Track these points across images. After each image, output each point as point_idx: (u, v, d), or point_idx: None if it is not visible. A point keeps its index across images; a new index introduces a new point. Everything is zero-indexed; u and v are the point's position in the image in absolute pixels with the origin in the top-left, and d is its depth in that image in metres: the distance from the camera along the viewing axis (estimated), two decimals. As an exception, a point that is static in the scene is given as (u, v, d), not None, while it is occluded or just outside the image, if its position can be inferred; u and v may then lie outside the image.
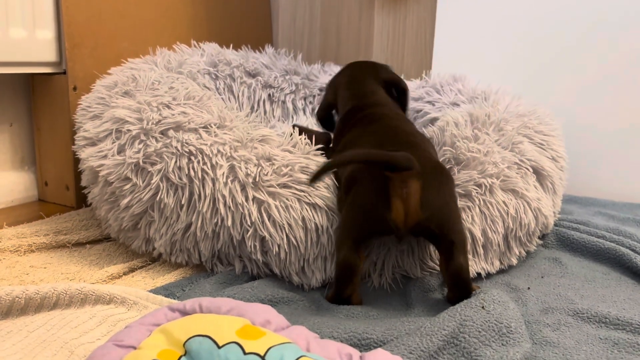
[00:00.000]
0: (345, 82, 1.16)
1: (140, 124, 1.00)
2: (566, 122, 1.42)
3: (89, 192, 1.09)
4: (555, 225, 1.21)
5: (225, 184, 0.90)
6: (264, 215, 0.88)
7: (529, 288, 0.96)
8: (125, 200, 0.96)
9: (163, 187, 0.93)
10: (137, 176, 0.95)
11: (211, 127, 0.99)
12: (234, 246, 0.91)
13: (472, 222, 0.95)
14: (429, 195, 0.81)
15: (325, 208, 0.90)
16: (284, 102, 1.56)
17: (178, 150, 0.94)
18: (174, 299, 0.87)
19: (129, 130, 1.00)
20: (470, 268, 0.94)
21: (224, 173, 0.91)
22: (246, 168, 0.91)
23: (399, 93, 1.19)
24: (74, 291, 0.77)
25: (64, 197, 1.34)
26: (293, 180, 0.91)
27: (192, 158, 0.93)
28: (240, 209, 0.89)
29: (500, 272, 1.02)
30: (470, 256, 0.95)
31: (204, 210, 0.90)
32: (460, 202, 0.96)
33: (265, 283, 0.89)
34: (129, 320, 0.74)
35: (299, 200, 0.89)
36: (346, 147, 0.96)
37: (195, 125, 0.99)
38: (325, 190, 0.91)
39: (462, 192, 0.97)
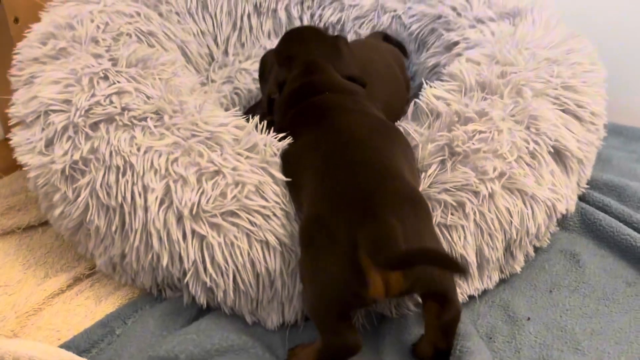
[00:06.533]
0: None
1: (68, 113, 0.82)
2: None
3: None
4: (581, 199, 1.01)
5: (158, 214, 0.74)
6: (206, 255, 0.73)
7: (528, 319, 0.81)
8: (57, 211, 0.82)
9: (93, 205, 0.78)
10: (67, 185, 0.80)
11: (150, 119, 0.80)
12: (178, 279, 0.78)
13: (465, 243, 0.77)
14: None
15: (279, 247, 0.74)
16: (275, 11, 1.30)
17: (106, 161, 0.77)
18: (113, 337, 0.78)
19: (54, 123, 0.82)
20: (460, 291, 0.80)
21: (157, 198, 0.74)
22: (182, 192, 0.74)
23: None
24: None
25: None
26: (241, 207, 0.74)
27: (121, 176, 0.76)
28: (177, 246, 0.74)
29: (502, 280, 0.87)
30: (459, 281, 0.80)
31: (136, 244, 0.76)
32: (451, 218, 0.77)
33: (214, 322, 0.77)
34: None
35: (247, 236, 0.73)
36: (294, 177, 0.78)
37: (130, 117, 0.80)
38: (277, 223, 0.74)
39: (454, 203, 0.78)
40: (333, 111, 0.80)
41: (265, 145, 0.80)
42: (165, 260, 0.75)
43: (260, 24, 1.29)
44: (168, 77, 0.88)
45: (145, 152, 0.77)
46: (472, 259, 0.78)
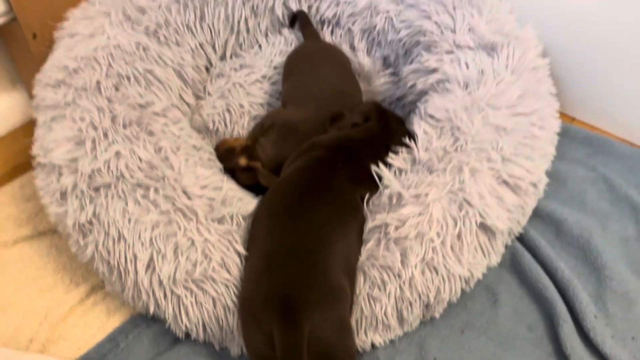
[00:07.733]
0: None
1: (75, 174, 1.00)
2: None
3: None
4: (518, 237, 1.15)
5: (145, 276, 0.95)
6: (182, 310, 0.95)
7: (434, 359, 1.01)
8: (73, 248, 1.04)
9: (97, 257, 1.00)
10: (78, 236, 1.01)
11: (138, 192, 0.98)
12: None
13: (385, 312, 0.96)
14: (310, 343, 0.82)
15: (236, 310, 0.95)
16: (272, 8, 1.36)
17: (105, 228, 0.97)
18: (118, 350, 1.03)
19: (65, 183, 1.01)
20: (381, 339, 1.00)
21: (143, 264, 0.95)
22: (162, 264, 0.94)
23: None
24: None
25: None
26: (208, 278, 0.94)
27: (116, 243, 0.96)
28: (160, 302, 0.96)
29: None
30: (381, 332, 1.00)
31: (131, 293, 0.98)
32: (377, 292, 0.95)
33: (191, 348, 1.01)
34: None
35: (213, 300, 0.95)
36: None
37: (122, 188, 0.98)
38: (237, 292, 0.95)
39: (379, 281, 0.95)
40: (315, 180, 0.98)
41: (232, 217, 0.98)
42: (152, 309, 0.98)
43: (258, 24, 1.36)
44: (157, 140, 1.04)
45: (135, 224, 0.96)
46: (392, 322, 0.98)
